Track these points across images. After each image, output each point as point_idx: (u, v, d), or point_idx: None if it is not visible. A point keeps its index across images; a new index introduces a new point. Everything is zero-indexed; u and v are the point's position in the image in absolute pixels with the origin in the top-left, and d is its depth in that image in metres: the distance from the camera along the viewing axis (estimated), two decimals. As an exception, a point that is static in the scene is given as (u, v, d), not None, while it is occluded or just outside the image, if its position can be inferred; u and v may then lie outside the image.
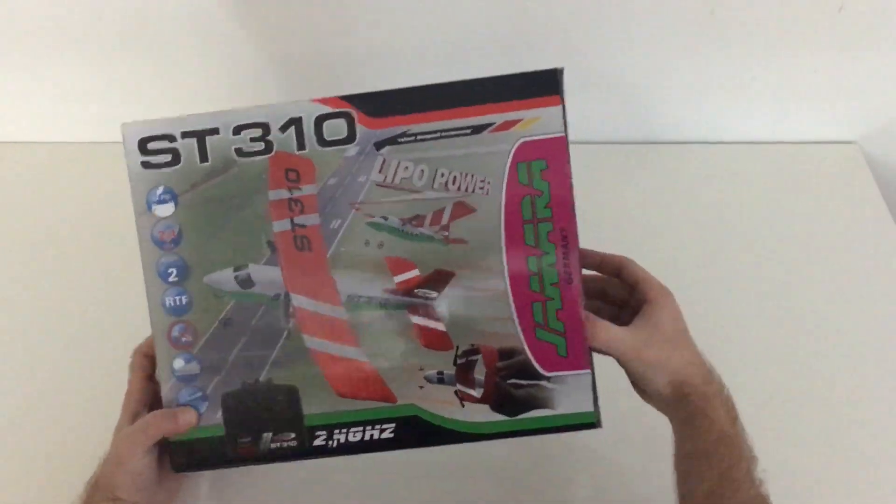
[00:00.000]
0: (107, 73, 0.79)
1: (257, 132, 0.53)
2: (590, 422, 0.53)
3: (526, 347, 0.52)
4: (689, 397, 0.51)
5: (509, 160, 0.52)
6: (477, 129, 0.52)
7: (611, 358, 0.53)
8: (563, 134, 0.51)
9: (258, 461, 0.55)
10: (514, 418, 0.53)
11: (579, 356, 0.52)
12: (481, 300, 0.53)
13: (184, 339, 0.54)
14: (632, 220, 0.83)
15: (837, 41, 0.76)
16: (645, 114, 0.85)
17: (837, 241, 0.81)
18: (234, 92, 0.83)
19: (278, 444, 0.54)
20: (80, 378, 0.71)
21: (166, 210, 0.54)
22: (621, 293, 0.57)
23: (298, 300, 0.54)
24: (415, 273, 0.53)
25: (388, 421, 0.54)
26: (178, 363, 0.54)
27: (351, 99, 0.53)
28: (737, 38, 0.76)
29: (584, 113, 0.81)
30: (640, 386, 0.54)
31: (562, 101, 0.51)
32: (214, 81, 0.82)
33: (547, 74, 0.51)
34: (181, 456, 0.55)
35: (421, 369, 0.53)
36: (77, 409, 0.69)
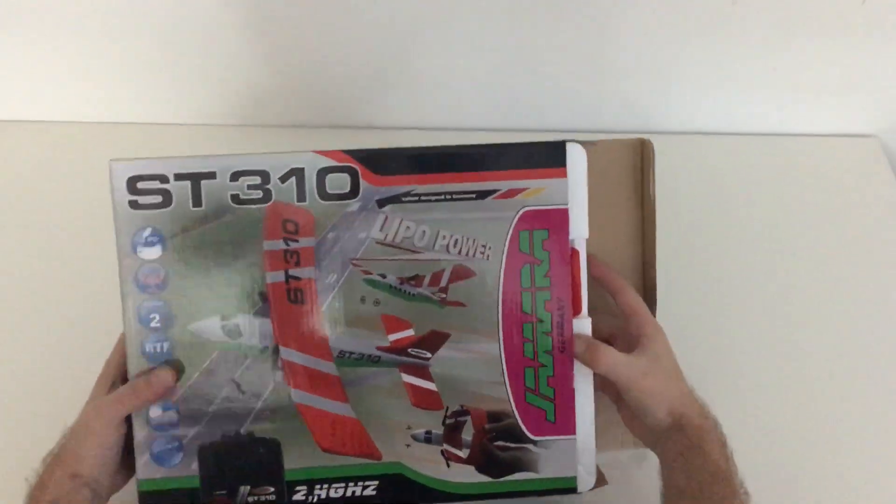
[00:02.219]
0: (103, 53, 0.77)
1: (256, 180, 0.52)
2: (572, 486, 0.54)
3: (515, 411, 0.53)
4: (685, 430, 0.51)
5: (511, 227, 0.52)
6: (482, 195, 0.52)
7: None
8: (567, 206, 0.52)
9: (233, 515, 0.53)
10: (497, 480, 0.54)
11: (567, 422, 0.53)
12: (474, 363, 0.53)
13: (163, 387, 0.52)
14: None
15: (859, 33, 0.75)
16: (663, 103, 0.84)
17: (855, 236, 0.80)
18: (233, 86, 0.81)
19: (256, 498, 0.53)
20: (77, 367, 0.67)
21: (153, 253, 0.52)
22: (612, 325, 0.57)
23: (288, 353, 0.53)
24: (410, 332, 0.53)
25: (372, 478, 0.53)
26: (155, 411, 0.52)
27: (356, 154, 0.52)
28: (758, 28, 0.74)
29: (601, 101, 0.83)
30: (638, 416, 0.54)
31: (567, 174, 0.52)
32: (215, 78, 0.80)
33: (554, 146, 0.52)
34: None
35: (409, 428, 0.53)
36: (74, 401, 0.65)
